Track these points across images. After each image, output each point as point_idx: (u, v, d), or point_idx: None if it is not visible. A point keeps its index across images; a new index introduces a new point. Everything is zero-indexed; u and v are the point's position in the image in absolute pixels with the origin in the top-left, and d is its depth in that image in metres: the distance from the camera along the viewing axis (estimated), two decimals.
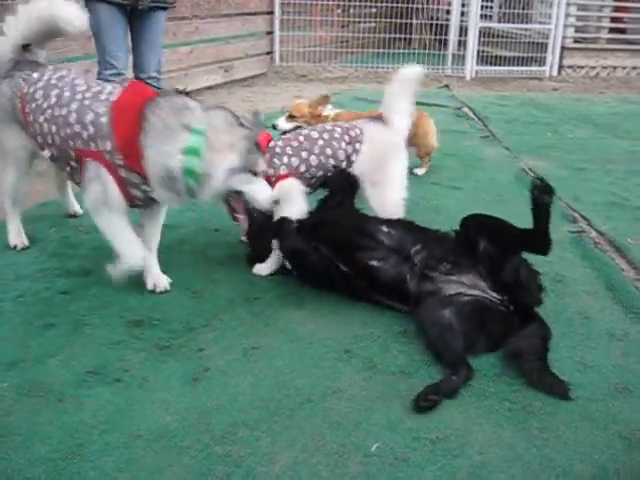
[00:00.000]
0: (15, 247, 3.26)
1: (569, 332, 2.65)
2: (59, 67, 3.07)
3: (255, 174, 2.62)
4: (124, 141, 2.59)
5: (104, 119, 2.63)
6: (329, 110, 4.58)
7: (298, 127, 4.16)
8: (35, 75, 2.90)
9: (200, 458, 1.89)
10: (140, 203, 2.76)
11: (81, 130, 2.66)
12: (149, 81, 4.54)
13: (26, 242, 3.30)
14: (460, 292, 2.56)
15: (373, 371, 2.35)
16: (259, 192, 2.63)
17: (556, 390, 2.24)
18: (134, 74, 4.60)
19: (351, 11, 10.57)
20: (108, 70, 4.29)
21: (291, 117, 4.51)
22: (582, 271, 3.25)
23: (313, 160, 3.05)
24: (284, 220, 2.89)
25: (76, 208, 3.69)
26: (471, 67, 9.98)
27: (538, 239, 2.56)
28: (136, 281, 2.92)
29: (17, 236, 3.29)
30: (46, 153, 2.85)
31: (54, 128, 2.75)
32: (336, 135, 3.14)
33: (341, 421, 2.07)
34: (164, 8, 4.45)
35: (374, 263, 2.70)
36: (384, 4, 10.24)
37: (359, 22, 10.74)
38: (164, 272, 2.92)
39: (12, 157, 3.09)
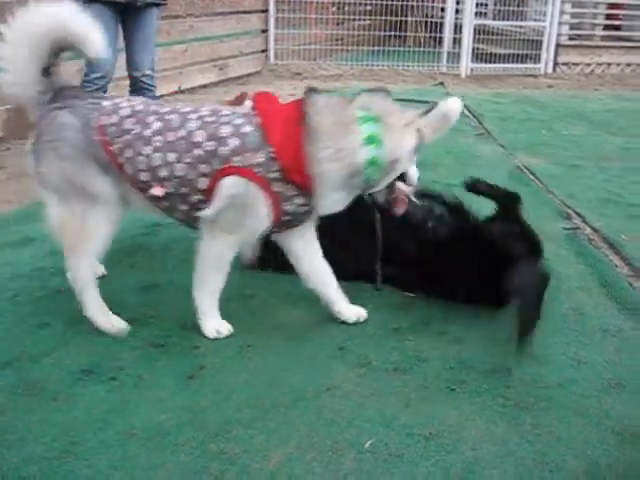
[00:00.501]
0: (111, 331, 2.52)
1: (563, 328, 2.66)
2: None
3: None
4: (284, 149, 2.26)
5: (248, 128, 2.28)
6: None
7: None
8: (108, 104, 2.40)
9: (195, 456, 1.89)
10: (288, 220, 2.42)
11: (217, 146, 2.27)
12: (143, 79, 4.55)
13: (123, 324, 2.53)
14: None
15: (367, 368, 2.35)
16: (413, 172, 2.46)
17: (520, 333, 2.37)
18: (128, 72, 4.59)
19: (346, 9, 10.56)
20: (94, 73, 4.30)
21: None
22: (576, 267, 3.26)
23: None
24: None
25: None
26: (466, 64, 9.99)
27: None
28: (132, 280, 2.92)
29: (107, 315, 2.54)
30: (157, 191, 2.35)
31: (172, 156, 2.30)
32: None
33: (335, 418, 2.07)
34: (157, 5, 4.46)
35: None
36: (379, 2, 10.23)
37: (354, 20, 10.74)
38: (157, 271, 2.93)
39: (100, 203, 2.39)
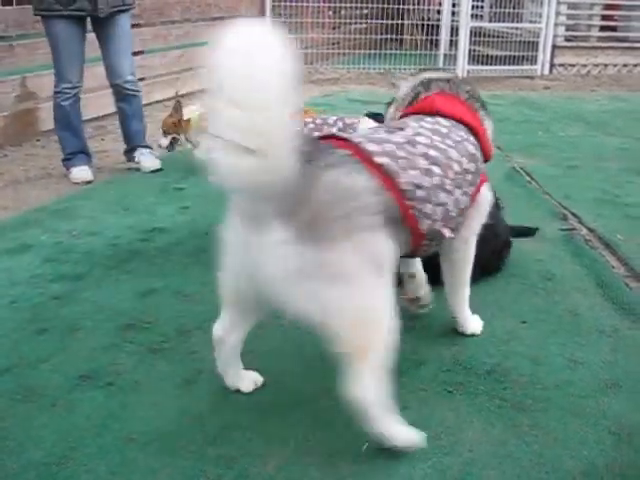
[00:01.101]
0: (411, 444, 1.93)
1: (559, 329, 2.67)
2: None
3: None
4: (488, 154, 2.41)
5: (472, 138, 2.29)
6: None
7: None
8: (375, 148, 1.93)
9: (193, 460, 1.90)
10: None
11: (476, 165, 2.24)
12: (126, 85, 4.53)
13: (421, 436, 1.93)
14: None
15: None
16: None
17: None
18: (109, 81, 4.57)
19: (342, 12, 10.58)
20: (64, 83, 4.32)
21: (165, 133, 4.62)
22: (572, 268, 3.26)
23: None
24: None
25: None
26: (463, 67, 10.00)
27: None
28: (129, 286, 2.93)
29: (406, 430, 1.93)
30: (449, 232, 2.10)
31: (459, 192, 2.13)
32: None
33: (333, 421, 2.08)
34: (125, 11, 4.42)
35: None
36: (375, 5, 10.26)
37: (350, 23, 10.75)
38: (154, 277, 2.93)
39: (388, 271, 1.85)
